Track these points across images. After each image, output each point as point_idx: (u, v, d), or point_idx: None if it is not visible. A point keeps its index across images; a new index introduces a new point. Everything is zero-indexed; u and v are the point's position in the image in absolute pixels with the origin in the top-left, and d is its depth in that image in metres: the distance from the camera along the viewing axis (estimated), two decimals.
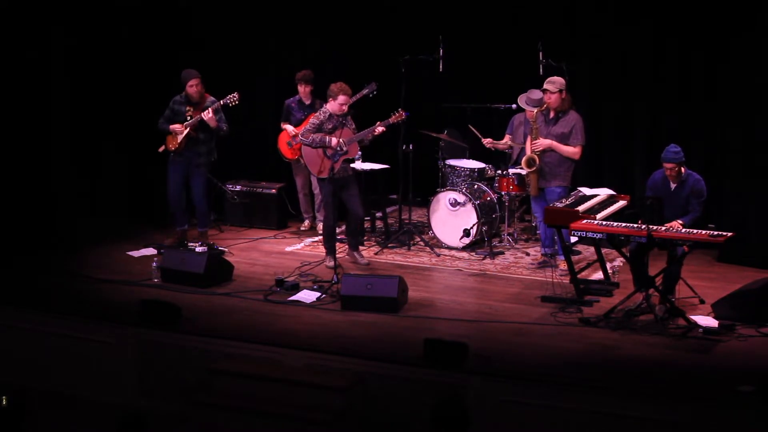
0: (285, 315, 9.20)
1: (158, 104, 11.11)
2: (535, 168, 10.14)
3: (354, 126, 10.39)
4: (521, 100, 10.92)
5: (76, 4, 11.51)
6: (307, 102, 11.46)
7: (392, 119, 10.38)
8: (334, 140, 10.14)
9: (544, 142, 10.12)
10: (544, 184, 10.21)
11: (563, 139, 10.13)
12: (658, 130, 10.76)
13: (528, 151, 10.21)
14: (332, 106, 10.22)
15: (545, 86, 10.12)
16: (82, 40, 11.62)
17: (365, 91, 10.95)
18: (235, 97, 10.76)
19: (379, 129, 10.32)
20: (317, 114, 10.35)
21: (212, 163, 11.03)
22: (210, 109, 10.60)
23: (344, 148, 10.17)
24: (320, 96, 11.41)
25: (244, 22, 12.39)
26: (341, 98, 10.15)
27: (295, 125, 11.47)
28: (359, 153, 10.90)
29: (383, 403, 8.06)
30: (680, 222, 8.96)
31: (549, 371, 7.89)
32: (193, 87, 10.69)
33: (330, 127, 10.24)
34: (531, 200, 10.55)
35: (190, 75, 10.72)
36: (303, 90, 11.42)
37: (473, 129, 11.46)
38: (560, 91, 10.07)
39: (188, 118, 10.73)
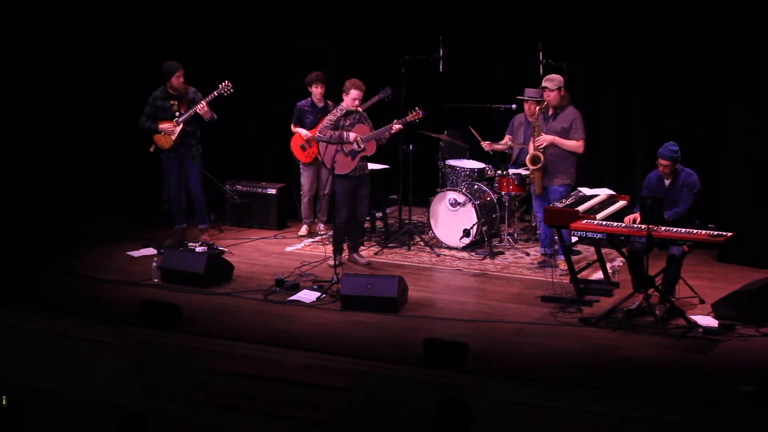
0: (285, 315, 9.20)
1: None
2: (539, 165, 10.14)
3: (371, 124, 10.41)
4: (527, 94, 10.97)
5: (77, 4, 11.54)
6: (320, 105, 11.44)
7: (409, 117, 10.44)
8: (352, 135, 10.16)
9: (546, 138, 10.12)
10: (547, 183, 10.21)
11: (564, 134, 10.13)
12: (658, 130, 10.76)
13: (531, 149, 10.21)
14: (346, 101, 10.24)
15: (544, 84, 10.13)
16: (81, 39, 11.62)
17: (380, 96, 10.97)
18: (228, 85, 10.70)
19: (396, 127, 10.36)
20: (334, 111, 10.35)
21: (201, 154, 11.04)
22: (204, 102, 10.58)
23: (362, 145, 10.19)
24: (328, 97, 11.43)
25: (244, 21, 12.39)
26: (353, 93, 10.17)
27: (309, 128, 11.46)
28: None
29: (383, 403, 8.06)
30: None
31: (549, 371, 7.89)
32: (179, 78, 10.65)
33: (347, 123, 10.25)
34: (533, 199, 10.54)
35: (176, 67, 10.67)
36: (317, 91, 11.37)
37: (474, 131, 11.46)
38: (559, 88, 10.09)
39: (175, 113, 10.70)
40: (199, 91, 10.83)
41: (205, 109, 10.60)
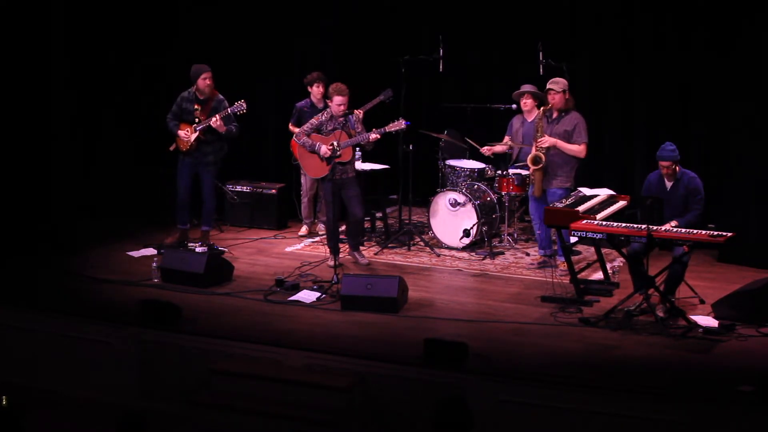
0: (285, 315, 9.20)
1: (159, 104, 11.11)
2: (540, 166, 10.14)
3: (361, 129, 10.38)
4: (523, 88, 10.97)
5: (78, 4, 11.55)
6: (320, 105, 11.43)
7: (389, 127, 10.32)
8: (323, 148, 10.13)
9: (549, 140, 10.10)
10: (545, 185, 10.20)
11: (567, 137, 10.12)
12: (659, 130, 10.77)
13: (534, 150, 10.20)
14: (332, 107, 10.24)
15: (549, 86, 10.12)
16: (82, 38, 11.63)
17: (381, 98, 10.94)
18: (242, 105, 10.72)
19: (373, 136, 10.27)
20: (319, 115, 10.37)
21: (223, 159, 11.01)
22: (218, 117, 10.59)
23: (338, 152, 10.18)
24: (328, 97, 11.41)
25: (244, 22, 12.39)
26: (336, 99, 10.16)
27: None
28: (359, 154, 10.94)
29: (383, 403, 8.07)
30: (673, 223, 8.95)
31: (549, 371, 7.89)
32: (205, 80, 10.68)
33: (330, 128, 10.24)
34: (530, 201, 10.52)
35: (202, 69, 10.71)
36: (317, 91, 11.36)
37: (470, 141, 11.46)
38: (564, 91, 10.08)
39: (196, 118, 10.72)
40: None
41: (218, 123, 10.60)
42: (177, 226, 11.15)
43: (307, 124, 10.36)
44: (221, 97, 10.79)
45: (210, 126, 10.64)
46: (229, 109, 10.69)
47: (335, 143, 10.14)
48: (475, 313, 9.26)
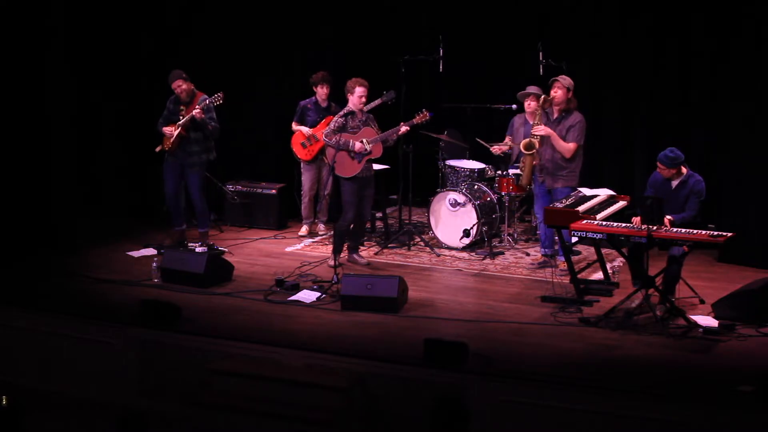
0: (285, 315, 9.20)
1: (158, 104, 11.11)
2: (533, 152, 10.11)
3: (377, 126, 10.39)
4: (528, 89, 10.95)
5: (78, 3, 11.54)
6: (324, 105, 11.43)
7: (416, 120, 10.43)
8: (357, 144, 10.12)
9: (545, 129, 10.00)
10: (550, 185, 10.17)
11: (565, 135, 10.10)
12: (659, 130, 10.77)
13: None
14: (352, 101, 10.21)
15: (557, 78, 10.02)
16: (82, 38, 11.63)
17: (383, 99, 10.95)
18: (219, 96, 10.71)
19: (403, 129, 10.34)
20: (340, 113, 10.31)
21: (210, 162, 11.01)
22: (199, 107, 10.58)
23: (368, 148, 10.18)
24: (331, 98, 11.41)
25: (243, 22, 12.39)
26: (358, 90, 10.13)
27: (310, 127, 11.46)
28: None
29: (383, 403, 8.06)
30: (669, 218, 8.94)
31: (549, 371, 7.89)
32: (179, 88, 10.69)
33: (354, 125, 10.23)
34: (535, 199, 10.48)
35: (174, 77, 10.72)
36: (322, 92, 11.36)
37: (481, 141, 11.42)
38: (568, 89, 9.99)
39: (181, 117, 10.73)
40: (200, 91, 10.83)
41: (202, 115, 10.59)
42: (173, 228, 11.15)
43: (332, 124, 10.27)
44: (205, 96, 10.78)
45: (193, 121, 10.61)
46: (207, 101, 10.67)
47: (365, 140, 10.15)
48: (475, 313, 9.25)
